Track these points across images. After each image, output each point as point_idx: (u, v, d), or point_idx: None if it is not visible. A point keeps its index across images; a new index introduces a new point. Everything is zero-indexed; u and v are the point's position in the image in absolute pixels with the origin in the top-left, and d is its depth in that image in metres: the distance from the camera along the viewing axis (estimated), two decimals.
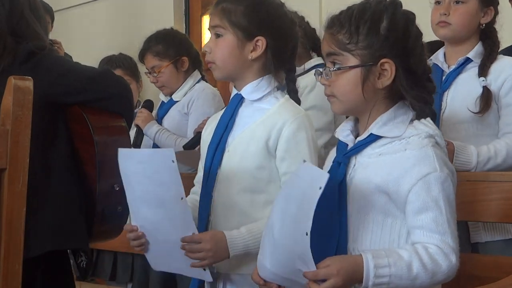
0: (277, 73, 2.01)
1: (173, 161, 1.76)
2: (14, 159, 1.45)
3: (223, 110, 2.08)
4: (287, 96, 2.02)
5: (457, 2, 2.42)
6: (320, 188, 1.49)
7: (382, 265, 1.53)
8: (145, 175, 1.84)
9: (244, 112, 2.01)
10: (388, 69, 1.65)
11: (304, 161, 1.68)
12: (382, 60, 1.65)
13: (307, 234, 1.51)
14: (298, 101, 2.05)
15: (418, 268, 1.53)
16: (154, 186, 1.83)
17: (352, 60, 1.66)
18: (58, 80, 2.01)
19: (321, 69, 1.73)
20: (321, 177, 1.51)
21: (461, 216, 2.11)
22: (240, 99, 2.01)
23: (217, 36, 1.97)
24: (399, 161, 1.62)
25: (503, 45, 2.53)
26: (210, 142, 2.02)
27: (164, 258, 1.95)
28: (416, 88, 1.68)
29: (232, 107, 2.02)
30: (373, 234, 1.64)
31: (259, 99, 1.99)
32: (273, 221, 1.65)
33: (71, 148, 2.06)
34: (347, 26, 1.66)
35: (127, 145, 2.12)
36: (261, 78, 1.98)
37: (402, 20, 1.69)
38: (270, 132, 1.93)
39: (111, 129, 2.10)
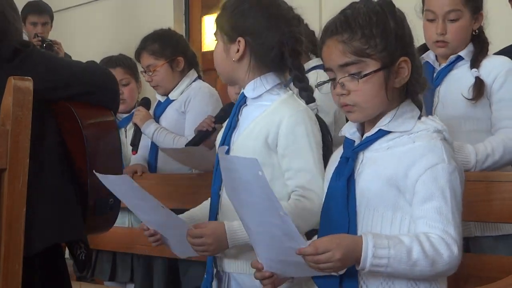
0: (279, 71, 2.02)
1: (132, 183, 1.84)
2: (14, 159, 1.45)
3: None
4: (290, 92, 2.02)
5: (451, 20, 2.43)
6: (260, 172, 1.50)
7: (382, 246, 1.52)
8: (124, 195, 1.95)
9: (245, 111, 2.03)
10: (405, 67, 1.66)
11: (225, 152, 1.72)
12: (401, 59, 1.66)
13: (282, 214, 1.52)
14: (312, 100, 2.04)
15: (418, 254, 1.51)
16: (137, 201, 1.92)
17: (373, 64, 1.65)
18: (45, 76, 2.01)
19: (320, 81, 1.73)
20: (253, 163, 1.52)
21: (461, 216, 2.12)
22: (242, 98, 2.04)
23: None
24: (408, 153, 1.62)
25: (491, 42, 2.52)
26: (219, 142, 2.06)
27: (181, 247, 2.00)
28: (422, 78, 1.71)
29: (236, 106, 2.06)
30: (383, 230, 1.63)
31: (259, 97, 2.00)
32: (241, 216, 1.70)
33: (60, 143, 2.07)
34: (359, 31, 1.64)
35: (115, 138, 2.16)
36: (260, 76, 1.99)
37: (402, 16, 1.71)
38: (269, 128, 1.93)
39: (100, 123, 2.11)
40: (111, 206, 2.13)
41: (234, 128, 2.02)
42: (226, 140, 2.01)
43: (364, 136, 1.71)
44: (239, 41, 1.98)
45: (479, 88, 2.36)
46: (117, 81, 2.22)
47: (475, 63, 2.41)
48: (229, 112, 3.07)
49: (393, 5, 1.70)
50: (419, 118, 1.69)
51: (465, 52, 2.45)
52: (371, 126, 1.70)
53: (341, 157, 1.73)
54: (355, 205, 1.66)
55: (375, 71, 1.64)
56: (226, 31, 2.00)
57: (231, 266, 1.97)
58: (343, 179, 1.68)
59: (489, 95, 2.39)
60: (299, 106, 1.96)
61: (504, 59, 2.44)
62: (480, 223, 2.34)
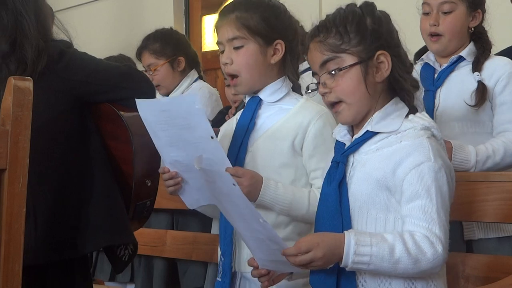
0: (291, 73, 2.04)
1: (196, 104, 1.76)
2: (14, 159, 1.44)
3: (238, 115, 2.11)
4: (305, 96, 2.05)
5: (446, 13, 2.43)
6: (234, 184, 1.54)
7: (364, 244, 1.53)
8: (168, 122, 1.84)
9: (264, 114, 2.04)
10: (385, 61, 1.68)
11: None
12: (378, 52, 1.67)
13: (262, 221, 1.56)
14: (301, 94, 2.08)
15: (400, 252, 1.53)
16: (181, 130, 1.84)
17: (349, 59, 1.67)
18: (89, 79, 2.02)
19: (312, 84, 1.75)
20: (227, 176, 1.57)
21: (461, 216, 2.12)
22: (258, 102, 2.04)
23: (235, 47, 1.99)
24: (395, 153, 1.63)
25: (495, 44, 2.52)
26: (231, 145, 2.04)
27: (198, 194, 1.95)
28: (410, 76, 1.72)
29: (250, 110, 2.04)
30: (377, 231, 1.63)
31: (279, 100, 2.02)
32: (229, 219, 1.73)
33: (103, 146, 2.08)
34: (334, 29, 1.68)
35: None
36: (280, 80, 2.02)
37: (382, 16, 1.72)
38: (296, 130, 1.96)
39: (143, 126, 2.07)
40: (147, 209, 2.13)
41: (251, 130, 2.02)
42: (244, 143, 2.00)
43: (353, 139, 1.72)
44: (278, 43, 1.99)
45: (481, 94, 2.35)
46: (154, 86, 2.24)
47: (477, 65, 2.40)
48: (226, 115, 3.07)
49: (373, 6, 1.73)
50: (407, 116, 1.69)
51: (466, 53, 2.44)
52: (359, 128, 1.72)
53: (332, 161, 1.74)
54: (348, 209, 1.67)
55: (351, 65, 1.66)
56: (261, 33, 1.98)
57: (246, 266, 1.92)
58: (334, 183, 1.69)
59: (491, 98, 2.38)
60: (322, 109, 2.00)
61: (506, 60, 2.44)
62: (484, 225, 2.34)
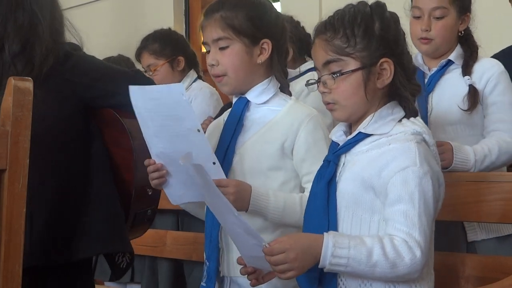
0: (278, 73, 2.01)
1: (183, 95, 1.74)
2: (14, 160, 1.44)
3: (224, 116, 2.07)
4: (293, 97, 2.03)
5: (437, 18, 2.43)
6: (208, 177, 1.57)
7: (342, 246, 1.53)
8: (157, 111, 1.81)
9: (252, 115, 2.00)
10: (387, 68, 1.67)
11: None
12: (382, 60, 1.67)
13: (236, 215, 1.56)
14: (290, 94, 2.05)
15: (378, 256, 1.52)
16: (169, 121, 1.80)
17: (352, 63, 1.67)
18: (94, 83, 2.00)
19: (313, 80, 1.74)
20: (199, 168, 1.58)
21: (461, 217, 2.12)
22: (245, 103, 2.00)
23: (221, 48, 1.95)
24: (383, 155, 1.63)
25: (481, 46, 2.52)
26: (217, 147, 1.99)
27: (182, 189, 1.92)
28: (411, 84, 1.71)
29: (238, 111, 2.00)
30: (361, 232, 1.64)
31: (267, 102, 1.99)
32: (216, 214, 1.73)
33: (105, 151, 2.05)
34: (342, 30, 1.67)
35: None
36: (267, 80, 1.99)
37: (392, 20, 1.72)
38: (286, 133, 1.93)
39: None
40: (148, 217, 2.10)
41: (239, 133, 1.98)
42: (231, 145, 1.96)
43: (346, 139, 1.72)
44: (264, 43, 1.95)
45: (473, 97, 2.36)
46: None
47: (466, 69, 2.41)
48: None
49: (384, 8, 1.72)
50: (401, 120, 1.69)
51: (455, 56, 2.45)
52: (355, 129, 1.72)
53: (323, 160, 1.75)
54: (335, 208, 1.67)
55: (352, 71, 1.66)
56: (247, 33, 1.93)
57: (235, 270, 1.91)
58: (323, 182, 1.70)
59: (481, 99, 2.39)
60: (311, 111, 1.97)
61: (494, 62, 2.46)
62: (485, 225, 2.35)
